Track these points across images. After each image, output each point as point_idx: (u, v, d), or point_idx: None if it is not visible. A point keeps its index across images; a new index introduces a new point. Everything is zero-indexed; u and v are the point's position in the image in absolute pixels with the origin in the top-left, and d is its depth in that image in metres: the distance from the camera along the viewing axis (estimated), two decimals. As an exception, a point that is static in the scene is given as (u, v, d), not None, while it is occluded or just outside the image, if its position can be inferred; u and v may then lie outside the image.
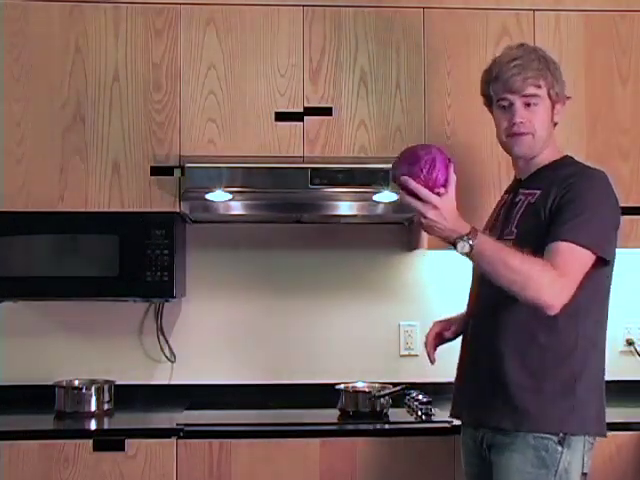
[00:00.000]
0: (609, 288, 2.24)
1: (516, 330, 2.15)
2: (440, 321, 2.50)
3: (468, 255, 2.04)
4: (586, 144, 2.95)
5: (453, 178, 2.04)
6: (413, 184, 2.00)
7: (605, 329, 2.23)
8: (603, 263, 2.16)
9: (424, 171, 2.00)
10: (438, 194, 2.01)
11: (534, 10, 2.96)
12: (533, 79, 2.23)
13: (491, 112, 2.36)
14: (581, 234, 2.09)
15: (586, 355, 2.15)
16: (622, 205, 2.91)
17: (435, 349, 2.44)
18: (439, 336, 2.45)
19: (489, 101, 2.34)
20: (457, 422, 2.67)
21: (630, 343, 3.29)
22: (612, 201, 2.20)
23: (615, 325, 3.28)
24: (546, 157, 2.29)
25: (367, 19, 2.93)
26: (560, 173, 2.23)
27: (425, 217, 2.02)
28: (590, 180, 2.19)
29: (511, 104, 2.25)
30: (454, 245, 2.04)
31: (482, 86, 2.35)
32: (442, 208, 2.01)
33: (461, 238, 2.02)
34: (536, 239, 2.13)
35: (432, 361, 2.41)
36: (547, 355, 2.13)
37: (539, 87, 2.24)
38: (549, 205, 2.16)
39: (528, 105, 2.24)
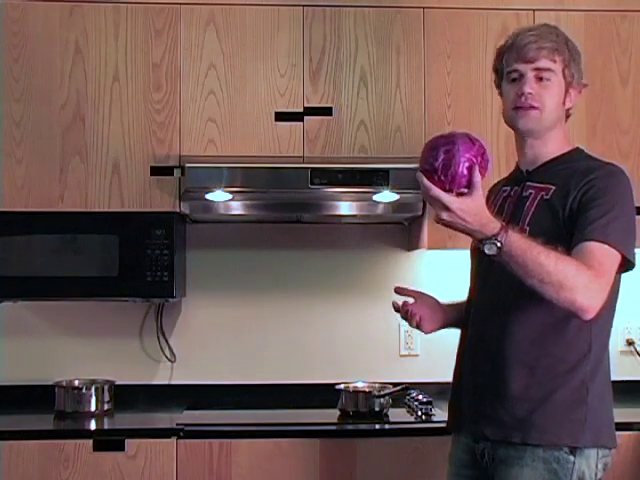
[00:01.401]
0: (619, 291, 2.12)
1: (525, 340, 2.03)
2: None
3: (496, 257, 1.89)
4: (586, 144, 2.91)
5: (477, 177, 1.87)
6: (426, 184, 1.87)
7: (611, 333, 2.14)
8: (624, 266, 2.02)
9: (439, 171, 1.85)
10: (461, 194, 1.87)
11: (534, 10, 2.96)
12: (548, 51, 2.09)
13: (500, 94, 2.21)
14: (612, 233, 1.96)
15: (598, 362, 2.05)
16: (622, 205, 2.93)
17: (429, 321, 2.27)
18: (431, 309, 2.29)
19: (500, 77, 2.20)
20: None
21: (630, 343, 3.29)
22: (631, 197, 2.07)
23: (615, 325, 3.28)
24: (556, 147, 2.15)
25: (367, 19, 2.93)
26: (576, 168, 2.09)
27: (440, 219, 1.90)
28: (613, 177, 2.06)
29: (522, 75, 2.11)
30: (481, 245, 1.90)
31: (495, 60, 2.21)
32: (458, 210, 1.86)
33: (488, 239, 1.88)
34: (550, 238, 1.96)
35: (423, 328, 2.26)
36: (558, 365, 2.02)
37: (554, 61, 2.11)
38: (569, 203, 2.02)
39: (540, 79, 2.10)
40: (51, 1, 2.87)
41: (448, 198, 1.86)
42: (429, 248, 2.92)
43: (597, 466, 2.02)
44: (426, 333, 2.30)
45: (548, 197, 2.07)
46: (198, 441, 2.61)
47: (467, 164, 1.85)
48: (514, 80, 2.13)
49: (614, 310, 2.11)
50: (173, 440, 2.60)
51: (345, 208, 2.91)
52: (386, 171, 2.79)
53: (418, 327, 2.29)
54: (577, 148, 2.19)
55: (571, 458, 1.98)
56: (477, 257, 2.16)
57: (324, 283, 3.25)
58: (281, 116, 2.89)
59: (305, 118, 2.90)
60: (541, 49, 2.09)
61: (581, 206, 2.01)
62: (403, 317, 2.31)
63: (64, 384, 2.93)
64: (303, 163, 2.87)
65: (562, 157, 2.15)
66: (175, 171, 2.85)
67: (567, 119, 2.20)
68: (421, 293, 2.33)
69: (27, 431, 2.65)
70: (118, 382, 2.99)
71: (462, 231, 1.91)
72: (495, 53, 2.22)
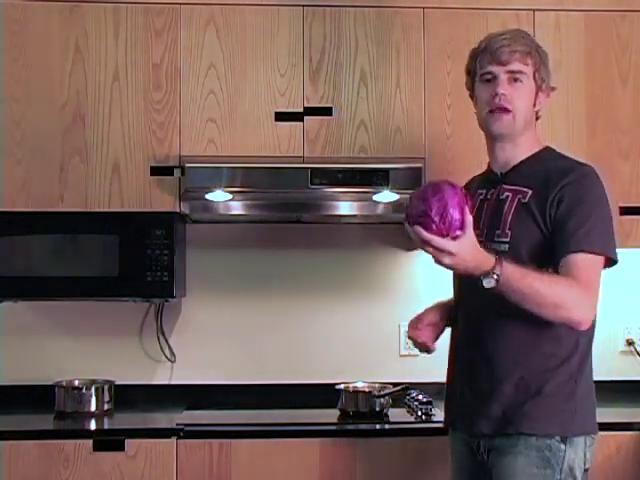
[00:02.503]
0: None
1: (518, 340, 2.11)
2: (430, 310, 2.35)
3: (495, 289, 1.98)
4: (586, 144, 2.95)
5: (468, 218, 1.95)
6: (426, 236, 1.93)
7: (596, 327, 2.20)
8: (608, 264, 2.13)
9: (436, 219, 1.92)
10: (456, 237, 1.93)
11: (534, 10, 2.96)
12: (520, 54, 2.17)
13: (471, 97, 2.29)
14: (594, 242, 2.06)
15: (584, 356, 2.14)
16: (622, 205, 2.95)
17: (434, 339, 2.30)
18: (435, 327, 2.31)
19: (472, 79, 2.26)
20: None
21: (630, 343, 3.29)
22: (606, 198, 2.14)
23: (615, 325, 3.29)
24: (527, 149, 2.21)
25: (367, 19, 2.93)
26: (550, 169, 2.15)
27: (442, 264, 1.97)
28: (587, 179, 2.13)
29: (495, 77, 2.17)
30: (480, 280, 1.97)
31: (468, 63, 2.28)
32: (459, 252, 1.93)
33: (487, 274, 1.96)
34: (530, 242, 2.10)
35: (433, 350, 2.29)
36: (549, 360, 2.10)
37: (526, 64, 2.18)
38: (548, 210, 2.09)
39: (513, 81, 2.17)
40: (51, 1, 2.87)
41: (451, 245, 1.93)
42: (429, 248, 2.92)
43: (585, 455, 2.11)
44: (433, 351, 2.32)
45: (526, 201, 2.13)
46: (198, 441, 2.60)
47: (458, 208, 1.93)
48: (488, 81, 2.19)
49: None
50: (173, 440, 2.60)
51: (345, 208, 2.92)
52: (386, 171, 2.79)
53: (427, 351, 2.32)
54: (547, 147, 2.25)
55: (562, 446, 2.07)
56: None
57: (324, 283, 3.25)
58: (281, 116, 2.89)
59: (305, 118, 2.90)
60: (514, 52, 2.16)
61: (559, 216, 2.08)
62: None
63: (64, 384, 2.93)
64: (303, 163, 2.87)
65: (534, 157, 2.21)
66: (175, 171, 2.85)
67: (537, 118, 2.26)
68: (425, 318, 2.33)
69: (27, 431, 2.65)
70: (118, 382, 2.99)
71: (463, 271, 1.98)
72: (469, 55, 2.27)
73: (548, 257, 2.09)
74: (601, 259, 2.08)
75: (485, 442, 2.15)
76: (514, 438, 2.08)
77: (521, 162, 2.21)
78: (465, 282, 2.18)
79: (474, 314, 2.20)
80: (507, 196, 2.17)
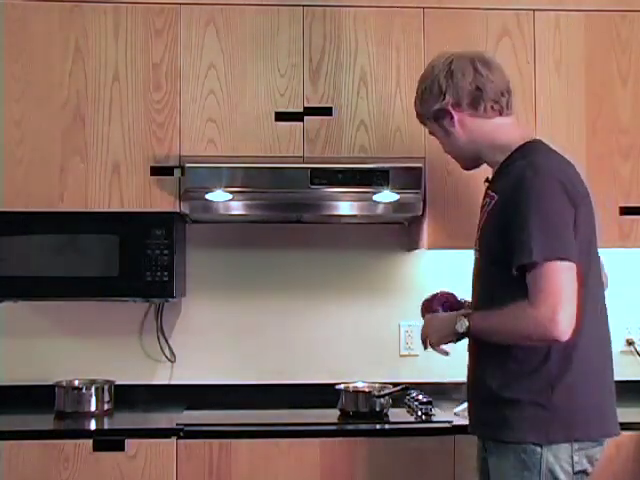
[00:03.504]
0: (588, 283, 2.09)
1: (494, 348, 2.12)
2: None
3: (467, 335, 2.16)
4: (586, 144, 2.95)
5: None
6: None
7: (594, 325, 2.12)
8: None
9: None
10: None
11: (534, 10, 2.96)
12: (420, 120, 2.37)
13: None
14: (539, 249, 1.99)
15: (564, 360, 2.07)
16: (622, 205, 2.94)
17: None
18: None
19: None
20: (457, 422, 2.69)
21: (630, 343, 3.29)
22: (551, 192, 2.05)
23: (615, 325, 3.28)
24: (501, 154, 2.21)
25: (367, 19, 2.93)
26: (510, 172, 2.14)
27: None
28: (524, 181, 2.06)
29: None
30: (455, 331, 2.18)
31: None
32: (425, 322, 2.33)
33: (456, 324, 2.16)
34: (491, 250, 2.14)
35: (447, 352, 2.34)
36: (523, 366, 2.09)
37: (424, 124, 2.36)
38: (503, 213, 2.10)
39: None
40: (51, 1, 2.87)
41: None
42: (429, 248, 2.92)
43: (573, 458, 2.07)
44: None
45: (490, 208, 2.17)
46: (198, 441, 2.61)
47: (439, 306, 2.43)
48: None
49: (587, 304, 2.07)
50: (173, 440, 2.60)
51: (345, 208, 2.91)
52: (386, 171, 2.79)
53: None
54: (525, 145, 2.20)
55: (538, 449, 2.06)
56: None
57: (324, 283, 3.25)
58: (281, 116, 2.89)
59: (305, 118, 2.90)
60: (418, 120, 2.38)
61: (505, 227, 2.08)
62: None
63: (64, 384, 2.93)
64: (303, 163, 2.87)
65: (508, 159, 2.20)
66: (175, 171, 2.85)
67: (499, 115, 2.24)
68: None
69: (27, 431, 2.65)
70: (118, 382, 2.99)
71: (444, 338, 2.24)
72: None
73: (506, 267, 2.06)
74: (553, 264, 1.99)
75: (484, 442, 2.22)
76: (498, 443, 2.13)
77: (500, 165, 2.22)
78: (472, 284, 2.29)
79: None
80: (487, 202, 2.21)
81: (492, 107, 2.22)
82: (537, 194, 2.04)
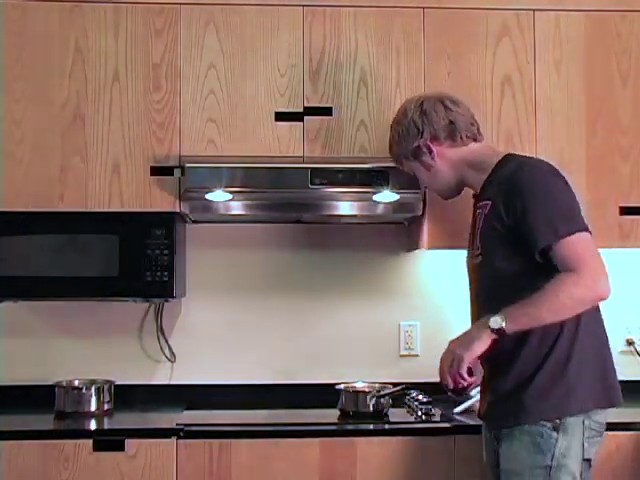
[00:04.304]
0: None
1: (508, 340, 2.21)
2: None
3: (504, 333, 2.18)
4: (586, 144, 2.95)
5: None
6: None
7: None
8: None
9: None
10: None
11: (534, 10, 2.95)
12: (395, 163, 2.59)
13: None
14: (559, 226, 2.18)
15: (573, 333, 2.22)
16: (622, 205, 2.94)
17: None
18: None
19: None
20: (457, 422, 2.69)
21: (630, 343, 3.29)
22: (545, 179, 2.25)
23: (615, 325, 3.28)
24: (483, 172, 2.39)
25: (367, 19, 2.93)
26: (499, 177, 2.32)
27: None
28: (523, 173, 2.27)
29: None
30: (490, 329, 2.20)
31: None
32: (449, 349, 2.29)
33: (489, 328, 2.19)
34: (497, 249, 2.28)
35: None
36: (539, 351, 2.23)
37: (401, 164, 2.55)
38: (505, 217, 2.24)
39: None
40: (51, 1, 2.86)
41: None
42: (429, 248, 2.92)
43: (584, 445, 2.20)
44: None
45: (486, 213, 2.32)
46: (198, 441, 2.60)
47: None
48: None
49: None
50: (173, 440, 2.60)
51: (345, 208, 2.91)
52: (386, 171, 2.79)
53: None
54: (505, 157, 2.39)
55: (554, 434, 2.18)
56: (467, 268, 2.46)
57: (324, 283, 3.25)
58: (281, 116, 2.89)
59: (305, 118, 2.89)
60: (394, 163, 2.59)
61: (516, 223, 2.23)
62: None
63: (64, 384, 2.93)
64: (303, 163, 2.86)
65: (492, 172, 2.37)
66: (175, 171, 2.85)
67: (473, 141, 2.45)
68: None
69: (27, 431, 2.65)
70: (118, 382, 2.99)
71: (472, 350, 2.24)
72: None
73: (518, 260, 2.24)
74: (577, 236, 2.18)
75: (495, 432, 2.33)
76: (513, 428, 2.23)
77: (484, 181, 2.38)
78: (471, 293, 2.42)
79: (476, 315, 2.36)
80: (479, 213, 2.36)
81: (467, 136, 2.44)
82: (536, 182, 2.24)
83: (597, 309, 2.30)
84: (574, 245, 2.18)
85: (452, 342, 2.28)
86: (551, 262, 2.19)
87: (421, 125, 2.43)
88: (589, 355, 2.24)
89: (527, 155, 2.49)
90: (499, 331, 2.17)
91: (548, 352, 2.21)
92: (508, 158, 2.37)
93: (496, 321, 2.17)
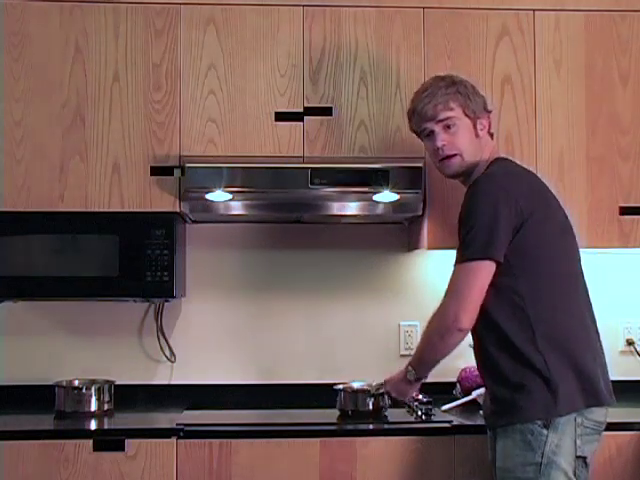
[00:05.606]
0: (553, 274, 2.29)
1: (490, 343, 2.31)
2: None
3: (424, 378, 2.45)
4: (586, 144, 2.95)
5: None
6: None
7: (566, 302, 2.28)
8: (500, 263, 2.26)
9: None
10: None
11: (534, 10, 2.96)
12: (443, 104, 2.40)
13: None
14: (466, 250, 2.25)
15: (549, 339, 2.23)
16: (622, 205, 2.94)
17: None
18: None
19: (419, 136, 2.53)
20: (457, 422, 2.69)
21: (630, 343, 3.29)
22: (492, 201, 2.24)
23: (615, 325, 3.29)
24: (478, 172, 2.40)
25: (367, 19, 2.93)
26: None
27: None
28: (471, 193, 2.29)
29: (432, 131, 2.43)
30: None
31: (409, 124, 2.55)
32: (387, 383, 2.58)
33: (410, 373, 2.45)
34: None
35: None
36: (520, 354, 2.24)
37: (452, 109, 2.41)
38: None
39: (448, 127, 2.41)
40: (51, 1, 2.87)
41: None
42: (429, 248, 2.92)
43: (576, 442, 2.21)
44: None
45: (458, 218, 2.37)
46: (198, 441, 2.60)
47: None
48: (428, 135, 2.46)
49: (550, 292, 2.28)
50: (173, 440, 2.60)
51: (345, 208, 2.92)
52: (386, 171, 2.79)
53: None
54: (492, 161, 2.42)
55: (544, 431, 2.20)
56: None
57: (324, 283, 3.25)
58: (281, 116, 2.89)
59: (305, 118, 2.90)
60: (436, 105, 2.41)
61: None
62: None
63: (64, 384, 2.93)
64: (303, 163, 2.86)
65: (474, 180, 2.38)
66: (175, 171, 2.85)
67: (492, 137, 2.50)
68: None
69: (27, 431, 2.65)
70: (118, 382, 2.98)
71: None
72: (407, 117, 2.55)
73: None
74: (463, 264, 2.25)
75: (493, 431, 2.38)
76: (506, 427, 2.27)
77: (469, 185, 2.40)
78: None
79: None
80: None
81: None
82: (472, 200, 2.27)
83: (567, 306, 2.29)
84: (456, 273, 2.28)
85: (387, 382, 2.56)
86: (507, 260, 2.23)
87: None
88: (567, 355, 2.24)
89: (504, 166, 2.43)
90: (418, 379, 2.43)
91: (528, 355, 2.23)
92: (491, 165, 2.41)
93: (410, 373, 2.43)
